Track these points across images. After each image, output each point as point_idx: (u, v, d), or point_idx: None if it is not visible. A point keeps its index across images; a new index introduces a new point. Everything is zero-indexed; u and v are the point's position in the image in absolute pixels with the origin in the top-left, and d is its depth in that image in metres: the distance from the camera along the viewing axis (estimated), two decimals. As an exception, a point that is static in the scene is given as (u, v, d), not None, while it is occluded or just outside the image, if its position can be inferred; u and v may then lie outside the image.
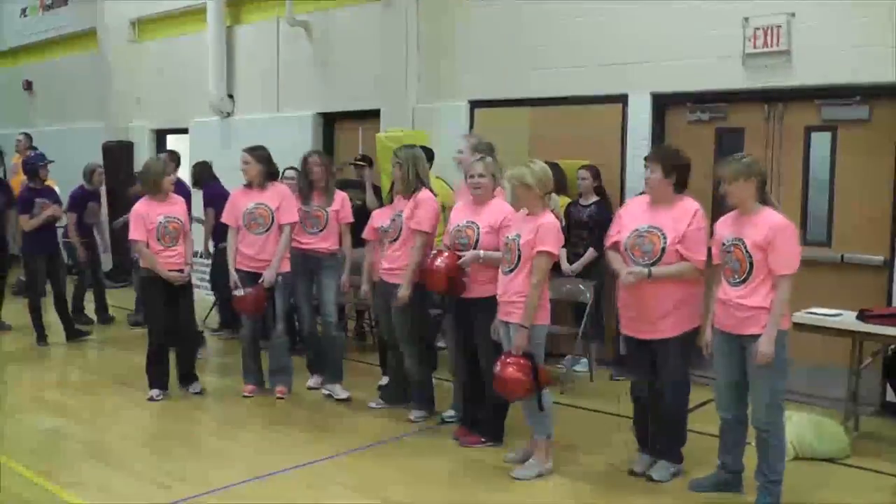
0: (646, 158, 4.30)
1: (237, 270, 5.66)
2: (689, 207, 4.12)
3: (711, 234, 4.09)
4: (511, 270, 4.32)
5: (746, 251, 3.78)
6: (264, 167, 5.73)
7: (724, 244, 3.90)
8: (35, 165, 7.36)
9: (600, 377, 6.28)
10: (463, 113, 7.52)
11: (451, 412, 5.20)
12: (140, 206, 5.73)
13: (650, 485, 4.22)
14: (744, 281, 3.80)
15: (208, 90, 9.77)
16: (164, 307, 5.74)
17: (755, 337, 3.77)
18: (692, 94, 6.27)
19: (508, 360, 4.22)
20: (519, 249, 4.28)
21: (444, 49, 7.68)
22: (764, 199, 3.87)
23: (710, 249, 4.05)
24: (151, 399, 5.71)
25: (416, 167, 5.22)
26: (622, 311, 4.30)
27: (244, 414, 5.51)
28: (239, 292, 5.60)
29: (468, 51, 7.50)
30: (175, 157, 7.68)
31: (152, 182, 5.72)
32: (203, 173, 7.69)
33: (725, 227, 3.94)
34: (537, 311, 4.24)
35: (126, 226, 7.03)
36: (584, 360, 6.38)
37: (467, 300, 4.73)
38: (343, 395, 5.74)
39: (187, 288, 5.86)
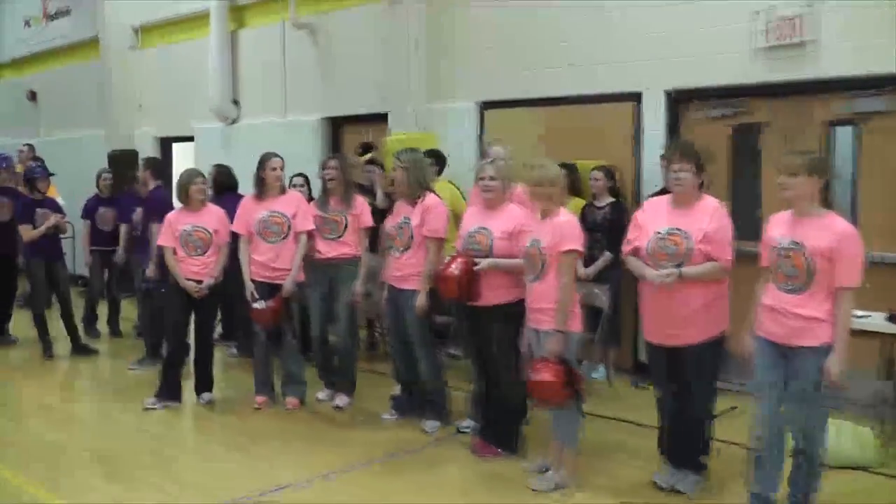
0: (669, 156, 4.17)
1: (251, 281, 5.58)
2: (709, 205, 4.00)
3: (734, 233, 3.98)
4: (536, 278, 4.23)
5: (806, 257, 3.56)
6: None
7: (778, 247, 3.67)
8: (33, 178, 7.36)
9: (619, 384, 6.18)
10: (472, 114, 7.45)
11: (466, 423, 5.11)
12: (171, 214, 5.80)
13: (673, 498, 4.10)
14: (800, 289, 3.58)
15: (213, 96, 9.74)
16: (184, 317, 5.74)
17: (807, 349, 3.57)
18: (708, 90, 6.14)
19: (542, 366, 4.11)
20: (542, 254, 4.18)
21: (451, 49, 7.61)
22: (827, 203, 3.65)
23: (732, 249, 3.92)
24: (148, 408, 5.67)
25: (420, 171, 5.13)
26: (646, 317, 4.18)
27: (255, 426, 5.43)
28: (259, 305, 5.51)
29: (476, 51, 7.42)
30: (151, 164, 7.43)
31: (179, 191, 5.77)
32: (224, 180, 7.24)
33: (780, 229, 3.70)
34: (569, 317, 4.15)
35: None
36: (602, 367, 6.27)
37: (482, 307, 4.64)
38: (340, 403, 5.67)
39: (208, 299, 5.77)
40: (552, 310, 4.14)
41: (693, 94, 6.25)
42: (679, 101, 6.33)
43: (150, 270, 6.77)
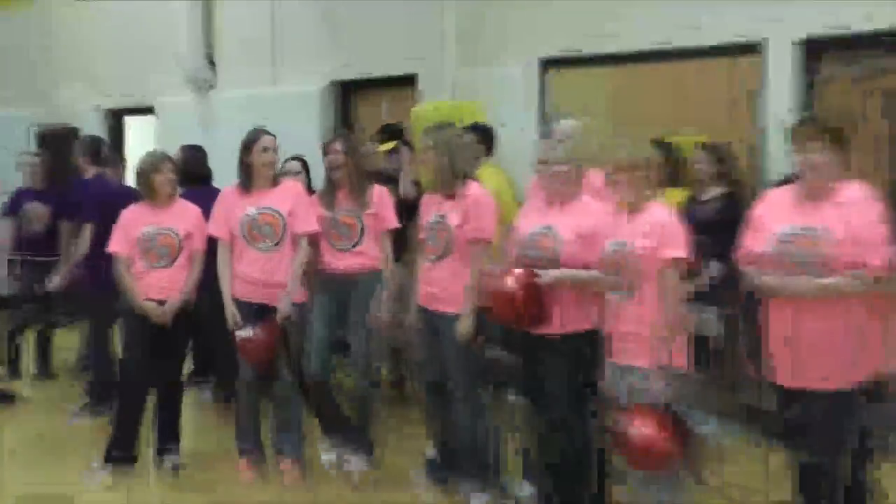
0: (800, 130, 4.17)
1: (234, 301, 5.62)
2: (853, 195, 3.98)
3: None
4: (624, 295, 4.26)
5: None
6: None
7: None
8: None
9: (731, 439, 6.14)
10: (532, 76, 7.50)
11: (523, 488, 5.13)
12: (128, 211, 5.86)
13: None
14: None
15: (181, 55, 9.88)
16: (144, 349, 5.75)
17: None
18: (856, 39, 6.14)
19: (641, 416, 4.13)
20: (634, 262, 4.21)
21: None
22: None
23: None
24: (94, 472, 5.69)
25: (457, 155, 5.18)
26: (773, 348, 4.13)
27: (237, 498, 5.47)
28: (245, 333, 5.52)
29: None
30: (89, 146, 7.52)
31: (141, 181, 5.82)
32: (195, 167, 7.25)
33: None
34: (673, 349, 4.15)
35: None
36: (713, 417, 6.24)
37: (547, 336, 4.67)
38: (353, 466, 5.72)
39: (176, 326, 5.80)
40: (647, 339, 4.15)
41: (833, 45, 6.25)
42: (818, 52, 6.34)
43: (54, 284, 6.92)
